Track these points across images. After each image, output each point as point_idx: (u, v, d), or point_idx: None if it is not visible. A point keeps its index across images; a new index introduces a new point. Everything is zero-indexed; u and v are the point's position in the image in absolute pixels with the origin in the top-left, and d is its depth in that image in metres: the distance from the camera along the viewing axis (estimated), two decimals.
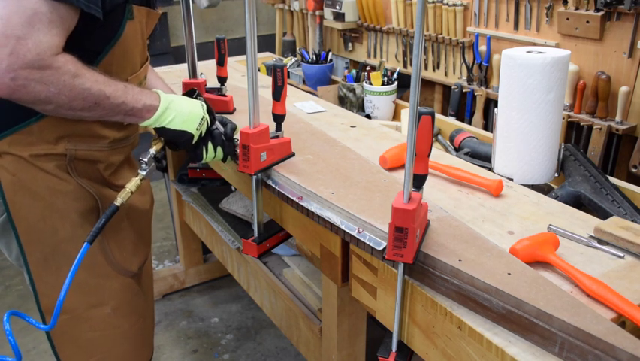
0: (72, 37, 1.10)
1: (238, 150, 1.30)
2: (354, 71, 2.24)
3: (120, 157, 1.36)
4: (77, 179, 1.26)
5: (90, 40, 1.16)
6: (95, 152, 1.28)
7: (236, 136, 1.34)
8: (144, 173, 1.25)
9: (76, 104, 1.11)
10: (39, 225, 1.25)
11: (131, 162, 1.44)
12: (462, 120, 2.14)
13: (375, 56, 2.58)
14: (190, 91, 1.35)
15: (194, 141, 1.29)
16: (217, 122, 1.36)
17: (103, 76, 1.14)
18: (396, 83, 2.10)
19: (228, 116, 1.67)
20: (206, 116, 1.30)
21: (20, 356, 1.05)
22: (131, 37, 1.24)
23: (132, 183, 1.23)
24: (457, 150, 1.73)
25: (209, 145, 1.33)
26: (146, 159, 1.24)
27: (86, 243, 1.15)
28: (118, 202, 1.20)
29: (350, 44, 2.72)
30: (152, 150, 1.27)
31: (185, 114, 1.25)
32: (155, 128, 1.26)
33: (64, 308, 1.22)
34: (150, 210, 1.51)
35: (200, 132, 1.29)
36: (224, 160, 1.39)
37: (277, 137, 1.32)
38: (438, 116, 1.93)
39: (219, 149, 1.35)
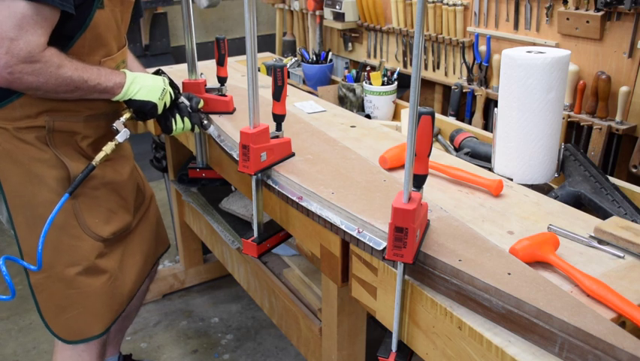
0: None
1: (205, 121, 1.62)
2: (354, 71, 2.24)
3: (98, 131, 1.52)
4: (54, 149, 1.44)
5: (63, 28, 1.33)
6: (71, 123, 1.45)
7: (207, 126, 1.62)
8: (118, 137, 1.46)
9: (61, 89, 1.34)
10: (21, 189, 1.44)
11: (110, 137, 1.54)
12: (462, 120, 2.14)
13: (375, 56, 2.58)
14: (156, 71, 1.60)
15: (159, 110, 1.50)
16: (182, 97, 1.58)
17: (81, 63, 1.36)
18: (396, 83, 2.10)
19: (228, 116, 1.67)
20: (169, 89, 1.52)
21: (15, 293, 1.21)
22: (103, 24, 1.40)
23: (108, 147, 1.44)
24: (457, 150, 1.73)
25: (177, 116, 1.56)
26: (116, 126, 1.45)
27: (66, 193, 1.37)
28: (94, 162, 1.42)
29: (350, 44, 2.72)
30: (122, 118, 1.47)
31: (148, 87, 1.47)
32: (125, 101, 1.47)
33: (44, 267, 1.43)
34: (129, 181, 1.63)
35: (165, 103, 1.51)
36: (192, 130, 1.61)
37: (277, 137, 1.33)
38: (438, 116, 1.93)
39: (186, 120, 1.57)
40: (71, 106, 1.43)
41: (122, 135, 1.46)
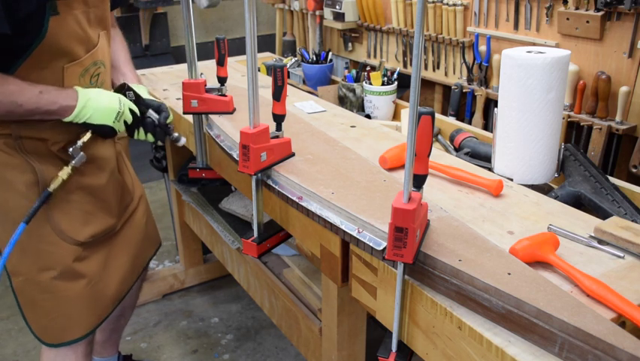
0: None
1: (175, 134, 1.59)
2: (354, 71, 2.24)
3: (67, 136, 1.46)
4: (24, 155, 1.41)
5: (10, 44, 1.26)
6: (39, 131, 1.40)
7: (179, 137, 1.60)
8: (74, 162, 1.41)
9: None
10: None
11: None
12: (462, 120, 2.14)
13: (375, 56, 2.58)
14: (119, 86, 1.52)
15: (119, 131, 1.46)
16: (151, 111, 1.53)
17: (17, 85, 1.29)
18: (396, 83, 2.10)
19: (228, 116, 1.67)
20: (126, 110, 1.46)
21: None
22: (62, 30, 1.32)
23: (64, 172, 1.41)
24: (457, 150, 1.73)
25: (141, 130, 1.52)
26: (72, 151, 1.41)
27: (22, 223, 1.34)
28: (50, 188, 1.39)
29: (350, 44, 2.72)
30: (79, 142, 1.42)
31: (101, 110, 1.40)
32: (81, 124, 1.41)
33: (19, 271, 1.46)
34: (109, 186, 1.60)
35: (125, 121, 1.47)
36: (155, 142, 1.59)
37: (277, 137, 1.32)
38: (438, 116, 1.93)
39: (149, 135, 1.54)
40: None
41: (79, 160, 1.42)
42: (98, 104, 1.40)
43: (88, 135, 1.43)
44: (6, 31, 1.21)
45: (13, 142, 1.39)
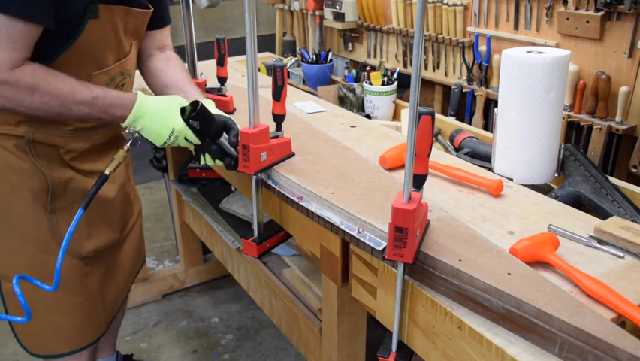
0: None
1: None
2: (354, 71, 2.24)
3: (84, 145, 1.40)
4: (34, 159, 1.33)
5: (44, 41, 1.18)
6: (53, 137, 1.33)
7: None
8: (129, 144, 1.30)
9: (39, 114, 1.19)
10: None
11: (102, 149, 1.46)
12: (462, 120, 2.14)
13: (375, 56, 2.58)
14: (191, 105, 1.26)
15: (166, 146, 1.31)
16: (222, 140, 1.30)
17: (68, 85, 1.18)
18: (396, 83, 2.10)
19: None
20: (178, 141, 1.28)
21: (30, 315, 1.11)
22: (97, 35, 1.26)
23: (120, 154, 1.28)
24: (457, 150, 1.73)
25: (207, 157, 1.32)
26: (125, 134, 1.30)
27: (80, 208, 1.19)
28: (107, 171, 1.25)
29: (350, 44, 2.71)
30: (132, 128, 1.30)
31: (150, 130, 1.28)
32: None
33: (12, 276, 1.33)
34: (117, 199, 1.54)
35: (179, 145, 1.30)
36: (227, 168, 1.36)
37: (277, 137, 1.32)
38: (438, 116, 1.93)
39: (218, 161, 1.32)
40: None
41: (134, 142, 1.30)
42: (150, 124, 1.27)
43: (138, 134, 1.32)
44: (51, 27, 1.14)
45: (25, 145, 1.32)
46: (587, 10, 1.69)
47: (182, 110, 1.27)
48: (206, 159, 1.32)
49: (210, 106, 1.37)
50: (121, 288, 1.66)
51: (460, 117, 2.17)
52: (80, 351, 1.56)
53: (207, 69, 2.16)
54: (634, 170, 1.64)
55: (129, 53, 1.40)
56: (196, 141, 1.30)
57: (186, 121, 1.27)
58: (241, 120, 1.63)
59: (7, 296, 1.46)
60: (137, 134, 1.30)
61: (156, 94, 1.54)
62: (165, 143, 1.29)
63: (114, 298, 1.63)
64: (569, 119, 1.78)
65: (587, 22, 1.69)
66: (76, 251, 1.45)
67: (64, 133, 1.34)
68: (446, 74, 2.25)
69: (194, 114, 1.24)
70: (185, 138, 1.29)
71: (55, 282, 1.18)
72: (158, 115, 1.27)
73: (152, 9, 1.43)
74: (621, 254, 1.02)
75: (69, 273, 1.44)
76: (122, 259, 1.64)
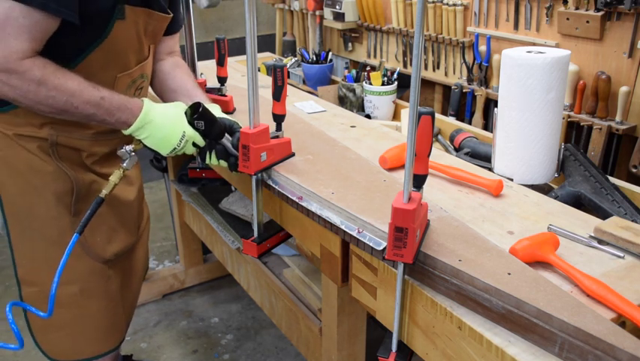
0: (52, 36, 1.15)
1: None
2: (354, 71, 2.24)
3: (104, 148, 1.40)
4: (57, 162, 1.33)
5: (71, 39, 1.18)
6: (76, 140, 1.33)
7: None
8: (125, 165, 1.27)
9: (42, 108, 1.17)
10: (17, 199, 1.34)
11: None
12: (462, 120, 2.14)
13: (375, 56, 2.58)
14: (192, 107, 1.26)
15: (171, 155, 1.30)
16: (224, 140, 1.31)
17: (76, 83, 1.16)
18: (396, 83, 2.10)
19: (228, 116, 1.66)
20: (187, 146, 1.28)
21: (23, 343, 1.11)
22: (122, 36, 1.26)
23: (115, 176, 1.26)
24: (457, 150, 1.73)
25: (213, 156, 1.32)
26: (120, 152, 1.28)
27: (75, 234, 1.20)
28: (102, 194, 1.24)
29: (350, 44, 2.71)
30: (129, 147, 1.28)
31: (157, 138, 1.25)
32: None
33: (35, 281, 1.37)
34: (135, 202, 1.54)
35: (184, 152, 1.30)
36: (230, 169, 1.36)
37: (277, 137, 1.32)
38: (438, 116, 1.93)
39: (222, 161, 1.33)
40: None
41: (130, 163, 1.28)
42: (157, 132, 1.25)
43: (139, 146, 1.30)
44: (74, 20, 1.13)
45: (48, 148, 1.31)
46: (587, 10, 1.69)
47: (185, 113, 1.28)
48: (212, 159, 1.32)
49: (216, 110, 1.37)
50: (135, 291, 1.67)
51: (460, 117, 2.17)
52: (103, 356, 1.55)
53: (207, 69, 2.16)
54: (634, 170, 1.64)
55: (148, 55, 1.41)
56: (203, 144, 1.30)
57: (191, 123, 1.27)
58: (241, 120, 1.63)
59: (28, 302, 1.42)
60: (133, 153, 1.28)
61: (160, 98, 1.56)
62: (174, 150, 1.27)
63: (131, 302, 1.63)
64: (569, 119, 1.78)
65: (587, 22, 1.69)
66: (100, 255, 1.44)
67: (86, 136, 1.34)
68: (446, 74, 2.25)
69: (197, 115, 1.25)
70: (193, 143, 1.29)
71: (50, 308, 1.17)
72: (165, 122, 1.26)
73: (172, 14, 1.44)
74: (621, 254, 1.02)
75: (94, 277, 1.44)
76: (136, 262, 1.64)
